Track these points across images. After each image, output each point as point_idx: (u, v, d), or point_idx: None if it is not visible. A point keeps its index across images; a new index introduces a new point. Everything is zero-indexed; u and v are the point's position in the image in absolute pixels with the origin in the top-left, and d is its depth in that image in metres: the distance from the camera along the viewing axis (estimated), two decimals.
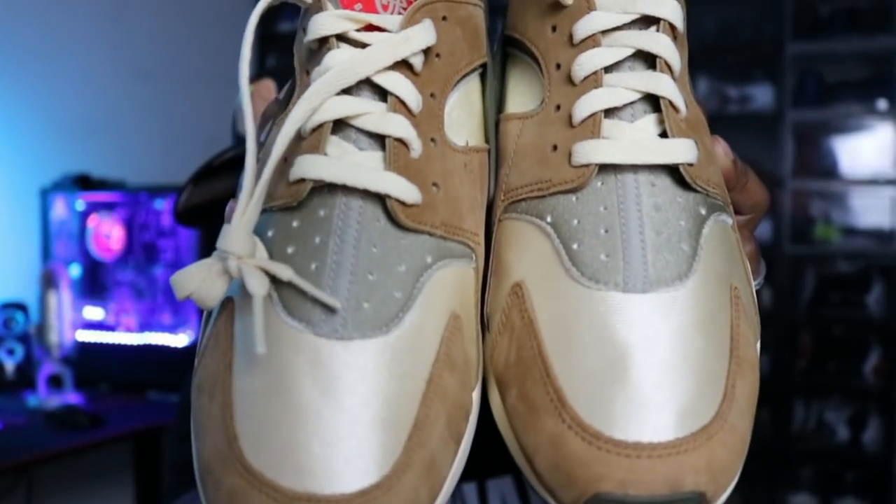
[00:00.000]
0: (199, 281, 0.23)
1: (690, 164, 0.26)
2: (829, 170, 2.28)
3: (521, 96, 0.31)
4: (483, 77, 0.31)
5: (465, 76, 0.29)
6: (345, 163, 0.25)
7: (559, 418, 0.23)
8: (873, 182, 2.21)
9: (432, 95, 0.27)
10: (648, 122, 0.27)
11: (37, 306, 1.78)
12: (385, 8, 0.28)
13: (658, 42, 0.27)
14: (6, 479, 1.63)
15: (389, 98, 0.26)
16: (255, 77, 0.68)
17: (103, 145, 2.17)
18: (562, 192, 0.26)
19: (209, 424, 0.23)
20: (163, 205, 1.90)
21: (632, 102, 0.27)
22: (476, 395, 0.26)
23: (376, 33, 0.27)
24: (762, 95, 2.29)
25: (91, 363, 1.84)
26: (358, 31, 0.27)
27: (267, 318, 0.23)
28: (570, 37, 0.28)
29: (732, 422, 0.23)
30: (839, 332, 2.23)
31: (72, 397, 1.69)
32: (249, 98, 0.26)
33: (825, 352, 2.21)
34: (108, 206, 1.94)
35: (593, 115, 0.27)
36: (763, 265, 0.36)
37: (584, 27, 0.27)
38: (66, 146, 2.08)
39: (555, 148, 0.27)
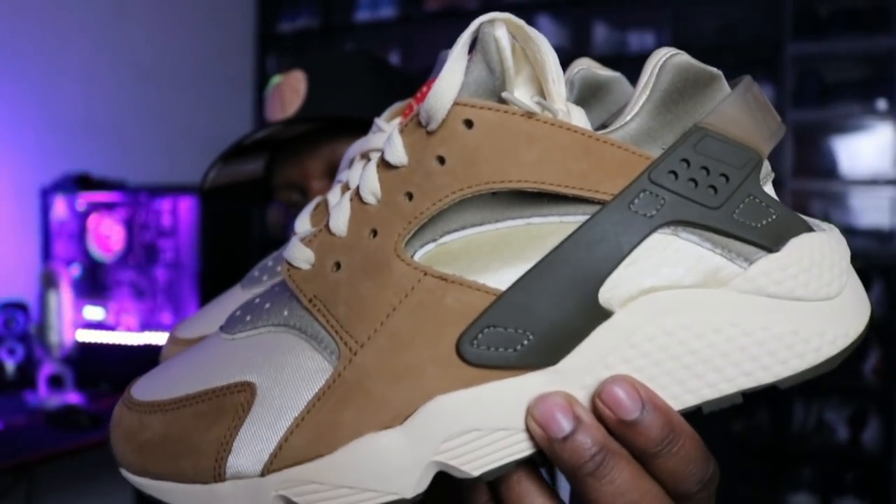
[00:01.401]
0: None
1: (293, 266, 0.29)
2: (828, 170, 2.28)
3: None
4: None
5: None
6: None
7: None
8: (873, 182, 2.21)
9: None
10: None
11: (37, 306, 1.78)
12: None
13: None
14: (6, 479, 1.63)
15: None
16: (283, 69, 0.68)
17: (103, 145, 2.17)
18: None
19: None
20: (163, 205, 1.90)
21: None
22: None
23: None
24: None
25: (91, 363, 1.84)
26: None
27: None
28: None
29: None
30: None
31: (72, 397, 1.69)
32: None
33: None
34: (108, 206, 1.94)
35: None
36: None
37: None
38: (67, 146, 2.08)
39: None
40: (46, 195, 1.97)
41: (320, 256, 0.28)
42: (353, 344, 0.26)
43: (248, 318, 0.29)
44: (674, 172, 0.26)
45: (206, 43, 2.55)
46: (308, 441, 0.26)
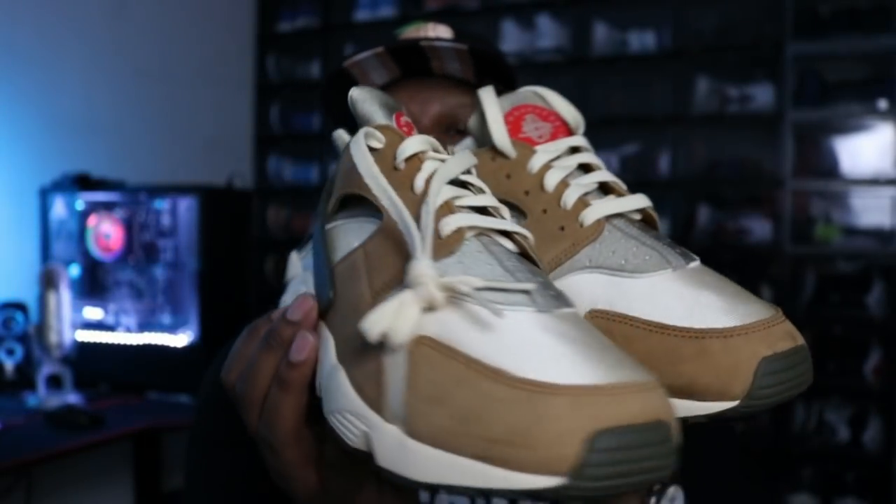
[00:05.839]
0: (392, 315, 0.32)
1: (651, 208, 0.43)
2: (829, 170, 2.28)
3: None
4: None
5: None
6: (488, 218, 0.37)
7: None
8: (873, 182, 2.21)
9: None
10: (608, 196, 0.43)
11: (37, 306, 1.78)
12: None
13: (589, 158, 0.44)
14: (6, 479, 1.63)
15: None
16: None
17: (103, 145, 2.17)
18: (587, 245, 0.41)
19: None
20: (162, 205, 1.90)
21: (594, 189, 0.43)
22: None
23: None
24: (762, 95, 2.29)
25: (91, 363, 1.84)
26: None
27: (489, 311, 0.32)
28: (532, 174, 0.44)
29: None
30: (839, 332, 2.22)
31: (72, 397, 1.69)
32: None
33: (826, 352, 2.21)
34: (107, 206, 1.94)
35: (581, 196, 0.42)
36: None
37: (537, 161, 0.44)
38: (66, 146, 2.08)
39: (562, 228, 0.41)
40: (46, 195, 1.97)
41: None
42: None
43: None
44: None
45: (206, 43, 2.55)
46: None
